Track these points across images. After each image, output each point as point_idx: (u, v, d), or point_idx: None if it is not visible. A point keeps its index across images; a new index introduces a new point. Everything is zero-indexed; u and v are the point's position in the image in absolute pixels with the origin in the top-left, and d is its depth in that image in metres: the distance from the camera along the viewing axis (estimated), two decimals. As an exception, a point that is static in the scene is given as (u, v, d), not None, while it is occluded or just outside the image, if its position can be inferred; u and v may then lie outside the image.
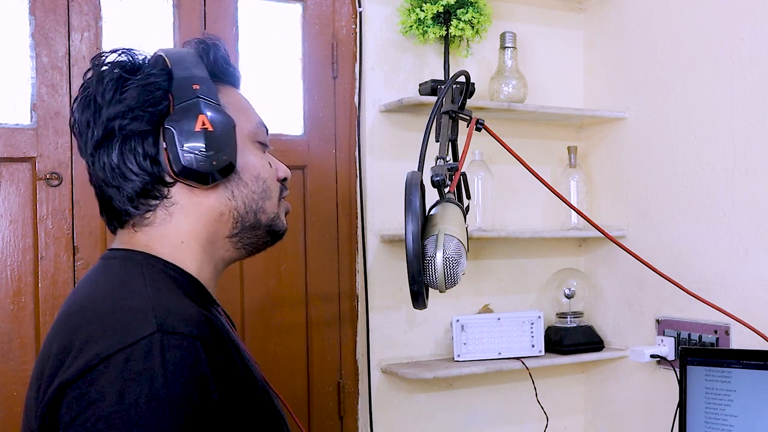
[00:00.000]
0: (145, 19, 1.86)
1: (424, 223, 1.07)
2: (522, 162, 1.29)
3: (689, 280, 1.93)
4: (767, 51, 1.81)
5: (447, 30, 2.04)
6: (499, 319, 2.10)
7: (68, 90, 1.75)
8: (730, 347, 1.86)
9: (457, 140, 1.29)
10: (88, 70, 0.99)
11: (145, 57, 1.00)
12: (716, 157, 1.93)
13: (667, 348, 2.03)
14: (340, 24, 2.07)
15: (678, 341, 2.01)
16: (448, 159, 1.17)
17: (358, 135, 2.07)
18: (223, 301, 1.08)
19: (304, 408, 2.03)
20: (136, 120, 0.94)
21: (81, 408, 0.79)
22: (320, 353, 2.04)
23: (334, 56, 2.06)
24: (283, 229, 1.08)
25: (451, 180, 1.15)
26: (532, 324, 2.12)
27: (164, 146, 0.94)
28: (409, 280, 1.02)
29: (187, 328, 0.84)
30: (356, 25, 2.08)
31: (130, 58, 0.99)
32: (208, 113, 0.96)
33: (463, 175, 1.24)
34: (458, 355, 2.06)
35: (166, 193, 0.97)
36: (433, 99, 1.92)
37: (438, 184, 1.10)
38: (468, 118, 1.26)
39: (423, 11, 2.00)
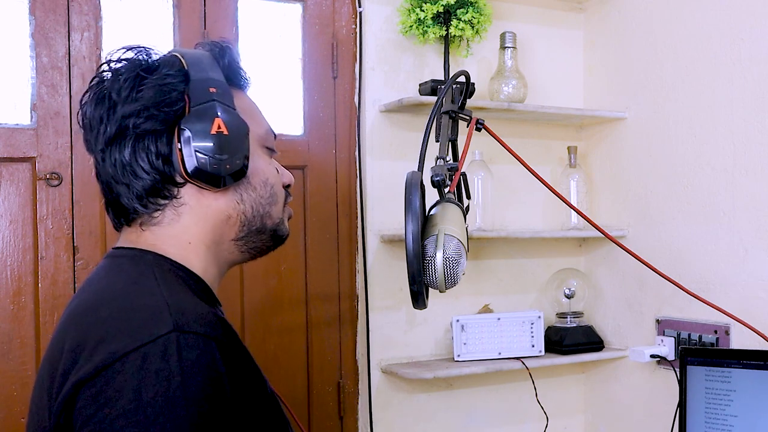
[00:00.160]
0: (145, 19, 1.86)
1: (424, 223, 1.07)
2: (522, 162, 1.29)
3: (689, 280, 1.93)
4: (767, 51, 1.81)
5: (447, 30, 2.04)
6: (499, 319, 2.10)
7: (68, 90, 1.75)
8: (730, 347, 1.86)
9: (457, 140, 1.29)
10: (102, 64, 0.99)
11: (162, 56, 1.00)
12: (716, 157, 1.93)
13: (667, 348, 2.03)
14: (340, 24, 2.07)
15: (678, 341, 2.01)
16: (448, 159, 1.18)
17: (358, 135, 2.07)
18: (223, 301, 1.08)
19: (304, 408, 2.03)
20: (151, 119, 0.95)
21: (98, 406, 0.80)
22: (320, 353, 2.04)
23: (334, 56, 2.06)
24: (286, 234, 1.09)
25: (451, 180, 1.15)
26: (532, 324, 2.12)
27: (178, 147, 0.95)
28: (409, 280, 1.02)
29: (203, 328, 0.84)
30: (356, 25, 2.08)
31: (147, 57, 0.99)
32: (224, 117, 0.96)
33: (463, 175, 1.24)
34: (458, 355, 2.06)
35: (175, 193, 0.98)
36: (433, 99, 1.92)
37: (438, 184, 1.11)
38: (468, 118, 1.26)
39: (423, 11, 2.00)
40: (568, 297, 2.24)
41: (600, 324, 2.30)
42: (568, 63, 2.36)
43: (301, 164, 2.02)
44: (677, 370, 1.61)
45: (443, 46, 2.09)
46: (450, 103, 1.25)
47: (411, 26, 2.03)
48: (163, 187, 0.97)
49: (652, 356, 2.02)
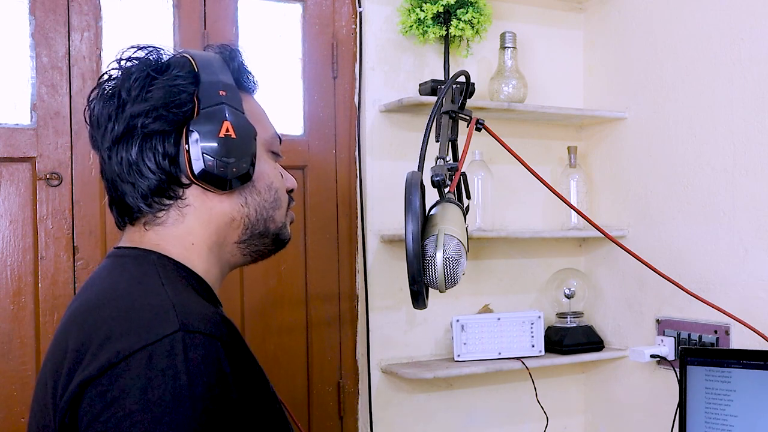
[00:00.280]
0: (145, 19, 1.86)
1: (424, 223, 1.07)
2: (522, 162, 1.29)
3: (689, 280, 1.93)
4: (767, 51, 1.81)
5: (447, 30, 2.04)
6: (499, 319, 2.10)
7: (68, 90, 1.75)
8: (730, 347, 1.86)
9: (457, 140, 1.29)
10: (112, 62, 1.00)
11: (173, 57, 1.00)
12: (716, 157, 1.93)
13: (667, 348, 2.03)
14: (340, 24, 2.07)
15: (678, 341, 2.01)
16: (448, 159, 1.18)
17: (358, 135, 2.07)
18: (224, 301, 1.09)
19: (304, 408, 2.03)
20: (159, 119, 0.95)
21: (104, 405, 0.80)
22: (320, 353, 2.04)
23: (334, 56, 2.06)
24: (288, 238, 1.10)
25: (451, 180, 1.15)
26: (532, 324, 2.12)
27: (185, 148, 0.95)
28: (409, 280, 1.03)
29: (208, 328, 0.85)
30: (356, 25, 2.08)
31: (158, 57, 1.00)
32: (233, 120, 0.96)
33: (463, 175, 1.24)
34: (458, 355, 2.06)
35: (180, 194, 0.98)
36: (433, 99, 1.92)
37: (438, 184, 1.11)
38: (468, 118, 1.26)
39: (423, 11, 2.00)
40: (568, 297, 2.24)
41: (600, 324, 2.30)
42: (568, 63, 2.36)
43: (301, 164, 2.02)
44: (677, 370, 1.61)
45: (443, 46, 2.09)
46: (450, 103, 1.25)
47: (411, 26, 2.03)
48: (168, 187, 0.97)
49: (652, 356, 2.02)
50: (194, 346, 0.82)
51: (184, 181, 0.97)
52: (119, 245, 1.02)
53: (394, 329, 2.09)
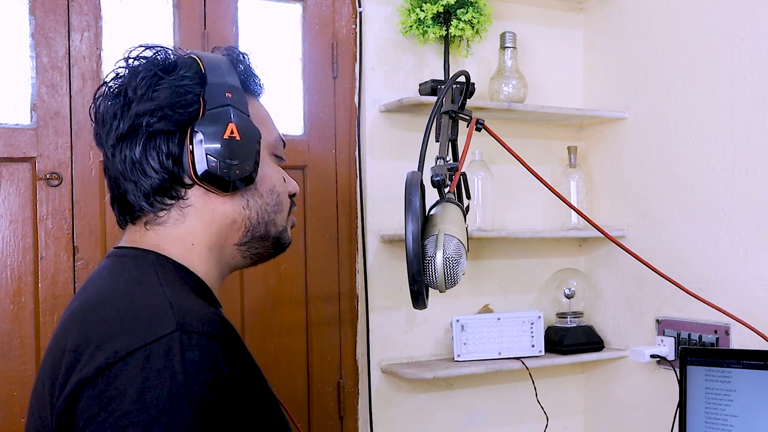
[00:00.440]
0: (145, 19, 1.86)
1: (424, 223, 1.07)
2: (522, 162, 1.29)
3: (689, 280, 1.93)
4: (767, 51, 1.81)
5: (447, 30, 2.04)
6: (499, 319, 2.10)
7: (68, 90, 1.75)
8: (730, 347, 1.86)
9: (457, 140, 1.29)
10: (120, 60, 1.00)
11: (180, 57, 1.00)
12: (716, 157, 1.93)
13: (667, 348, 2.03)
14: (340, 24, 2.07)
15: (678, 341, 2.01)
16: (448, 159, 1.18)
17: (358, 135, 2.07)
18: (224, 301, 1.08)
19: (304, 408, 2.03)
20: (164, 119, 0.95)
21: (101, 405, 0.80)
22: (320, 353, 2.04)
23: (334, 56, 2.06)
24: (288, 242, 1.10)
25: (451, 180, 1.15)
26: (532, 324, 2.12)
27: (189, 148, 0.95)
28: (409, 280, 1.03)
29: (206, 328, 0.85)
30: (356, 25, 2.08)
31: (166, 57, 1.00)
32: (238, 122, 0.97)
33: (463, 175, 1.24)
34: (458, 355, 2.06)
35: (182, 194, 0.98)
36: (433, 99, 1.92)
37: (438, 184, 1.11)
38: (468, 118, 1.26)
39: (423, 11, 2.00)
40: (568, 297, 2.24)
41: (600, 324, 2.30)
42: (568, 63, 2.36)
43: (301, 164, 2.02)
44: (677, 370, 1.61)
45: (443, 46, 2.09)
46: (450, 103, 1.25)
47: (411, 26, 2.03)
48: (170, 187, 0.97)
49: (652, 356, 2.02)
50: (191, 346, 0.82)
51: (187, 181, 0.97)
52: (119, 245, 1.02)
53: (394, 329, 2.09)
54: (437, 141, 1.20)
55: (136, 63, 0.99)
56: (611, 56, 2.28)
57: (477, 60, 2.21)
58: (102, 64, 1.79)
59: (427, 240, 1.04)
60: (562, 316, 2.23)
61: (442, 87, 1.25)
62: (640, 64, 2.16)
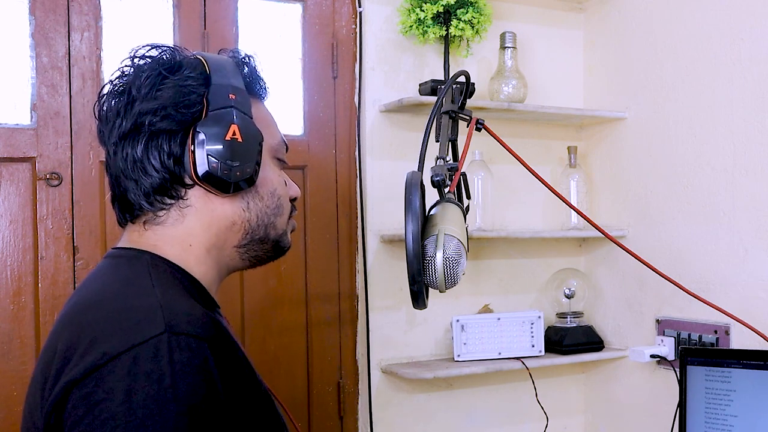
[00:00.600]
0: (145, 19, 1.86)
1: (424, 223, 1.07)
2: (522, 162, 1.29)
3: (689, 280, 1.93)
4: (767, 51, 1.81)
5: (447, 30, 2.04)
6: (499, 319, 2.10)
7: (68, 90, 1.75)
8: (730, 347, 1.86)
9: (457, 140, 1.29)
10: (126, 59, 1.00)
11: (186, 58, 1.00)
12: (716, 157, 1.93)
13: (667, 348, 2.03)
14: (340, 24, 2.07)
15: (678, 341, 2.01)
16: (448, 159, 1.18)
17: (358, 135, 2.07)
18: (223, 302, 1.08)
19: (304, 408, 2.03)
20: (167, 119, 0.95)
21: (88, 407, 0.79)
22: (320, 353, 2.04)
23: (334, 56, 2.06)
24: (288, 246, 1.10)
25: (451, 180, 1.15)
26: (532, 324, 2.12)
27: (191, 149, 0.95)
28: (409, 280, 1.02)
29: (195, 329, 0.84)
30: (356, 25, 2.08)
31: (171, 57, 1.00)
32: (240, 124, 0.97)
33: (463, 175, 1.24)
34: (458, 355, 2.06)
35: (183, 194, 0.98)
36: (433, 99, 1.92)
37: (438, 184, 1.11)
38: (468, 118, 1.26)
39: (423, 11, 2.00)
40: (568, 297, 2.24)
41: (600, 324, 2.30)
42: (568, 63, 2.36)
43: (301, 164, 2.02)
44: (677, 370, 1.61)
45: (443, 46, 2.09)
46: (450, 103, 1.25)
47: (411, 26, 2.03)
48: (171, 186, 0.97)
49: (652, 356, 2.02)
50: (180, 347, 0.82)
51: (188, 181, 0.97)
52: (117, 245, 1.02)
53: (394, 329, 2.09)
54: (437, 141, 1.20)
55: (142, 62, 0.99)
56: (611, 56, 2.28)
57: (477, 60, 2.21)
58: (102, 64, 1.79)
59: (427, 240, 1.04)
60: (562, 316, 2.23)
61: (442, 87, 1.25)
62: (640, 64, 2.16)
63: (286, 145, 1.11)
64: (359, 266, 2.08)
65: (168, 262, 0.97)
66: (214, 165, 0.95)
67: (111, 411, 0.78)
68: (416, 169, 1.09)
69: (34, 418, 0.89)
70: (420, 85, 2.07)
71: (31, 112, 1.73)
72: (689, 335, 1.98)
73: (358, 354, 2.09)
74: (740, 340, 1.84)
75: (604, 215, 2.29)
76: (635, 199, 2.18)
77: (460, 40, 2.13)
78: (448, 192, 1.13)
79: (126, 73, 0.99)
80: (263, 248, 1.05)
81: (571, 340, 2.17)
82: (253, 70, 1.06)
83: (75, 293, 0.99)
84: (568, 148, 2.27)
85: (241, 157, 0.96)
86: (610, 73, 2.28)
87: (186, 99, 0.96)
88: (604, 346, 2.24)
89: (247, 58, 1.05)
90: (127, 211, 1.00)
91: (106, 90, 1.00)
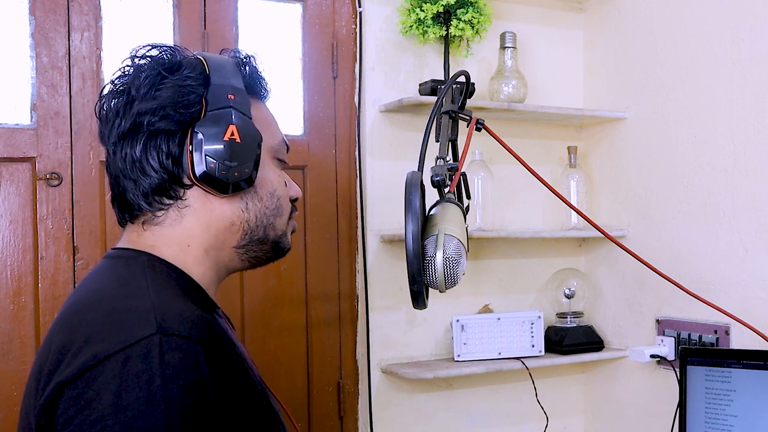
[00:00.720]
0: (145, 19, 1.86)
1: (424, 223, 1.07)
2: (522, 162, 1.29)
3: (689, 280, 1.93)
4: (767, 51, 1.81)
5: (447, 30, 2.04)
6: (499, 319, 2.10)
7: (68, 90, 1.75)
8: (730, 347, 1.86)
9: (457, 140, 1.29)
10: (127, 58, 1.00)
11: (186, 57, 1.00)
12: (716, 157, 1.93)
13: (667, 348, 2.03)
14: (340, 24, 2.07)
15: (678, 341, 2.01)
16: (448, 159, 1.18)
17: (358, 135, 2.07)
18: (223, 302, 1.08)
19: (304, 408, 2.03)
20: (166, 119, 0.95)
21: (78, 408, 0.79)
22: (320, 353, 2.04)
23: (334, 56, 2.06)
24: (288, 247, 1.09)
25: (451, 180, 1.15)
26: (532, 324, 2.12)
27: (189, 149, 0.95)
28: (409, 280, 1.02)
29: (187, 330, 0.84)
30: (356, 25, 2.08)
31: (172, 57, 1.00)
32: (239, 124, 0.96)
33: (463, 175, 1.24)
34: (458, 355, 2.06)
35: (181, 194, 0.98)
36: (433, 99, 1.92)
37: (438, 184, 1.11)
38: (468, 118, 1.26)
39: (423, 11, 2.00)
40: (568, 297, 2.24)
41: (600, 324, 2.30)
42: (568, 63, 2.36)
43: (301, 164, 2.02)
44: (677, 370, 1.61)
45: (443, 46, 2.09)
46: (450, 103, 1.25)
47: (411, 26, 2.03)
48: (169, 187, 0.97)
49: (652, 356, 2.02)
50: (171, 348, 0.81)
51: (186, 182, 0.97)
52: (116, 246, 1.02)
53: (394, 329, 2.09)
54: (437, 141, 1.20)
55: (142, 62, 0.99)
56: (611, 56, 2.28)
57: (477, 60, 2.21)
58: (102, 64, 1.79)
59: (427, 240, 1.04)
60: (562, 316, 2.23)
61: (442, 87, 1.25)
62: (640, 64, 2.16)
63: (287, 145, 1.11)
64: (359, 266, 2.08)
65: (165, 263, 0.97)
66: (212, 165, 0.94)
67: (101, 412, 0.78)
68: (416, 169, 1.09)
69: (29, 418, 0.89)
70: (420, 85, 2.07)
71: (31, 112, 1.73)
72: (689, 335, 1.98)
73: (358, 354, 2.09)
74: (740, 340, 1.84)
75: (604, 215, 2.29)
76: (635, 199, 2.18)
77: (460, 40, 2.13)
78: (448, 192, 1.13)
79: (126, 72, 0.99)
80: (262, 249, 1.05)
81: (571, 340, 2.17)
82: (254, 71, 1.06)
83: (72, 294, 1.00)
84: (568, 148, 2.27)
85: (239, 158, 0.96)
86: (610, 73, 2.28)
87: (185, 99, 0.96)
88: (604, 346, 2.24)
89: (247, 58, 1.05)
90: (127, 212, 1.00)
91: (106, 90, 1.00)
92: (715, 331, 1.91)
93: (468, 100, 1.37)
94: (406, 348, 2.11)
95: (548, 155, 2.34)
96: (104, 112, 0.99)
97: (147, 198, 0.97)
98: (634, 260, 1.38)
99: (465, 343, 2.07)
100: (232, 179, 0.96)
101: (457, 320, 2.06)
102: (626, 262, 2.19)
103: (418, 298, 1.04)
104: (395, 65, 2.10)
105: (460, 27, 2.03)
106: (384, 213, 2.07)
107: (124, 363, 0.80)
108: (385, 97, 2.07)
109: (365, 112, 2.07)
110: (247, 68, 1.04)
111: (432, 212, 1.10)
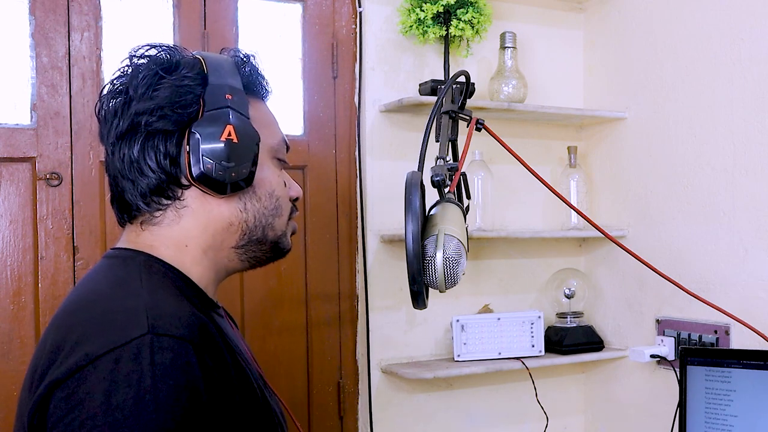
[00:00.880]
0: (145, 19, 1.86)
1: (424, 223, 1.07)
2: (522, 162, 1.28)
3: (689, 280, 1.93)
4: (767, 51, 1.81)
5: (447, 30, 2.04)
6: (499, 319, 2.10)
7: (68, 90, 1.75)
8: (730, 347, 1.86)
9: (457, 140, 1.29)
10: (125, 58, 1.00)
11: (184, 57, 1.00)
12: (716, 157, 1.93)
13: (667, 348, 2.03)
14: (340, 24, 2.07)
15: (678, 341, 2.01)
16: (448, 159, 1.17)
17: (358, 135, 2.07)
18: (223, 301, 1.08)
19: (304, 408, 2.03)
20: (163, 119, 0.95)
21: (68, 408, 0.79)
22: (320, 353, 2.04)
23: (334, 56, 2.06)
24: (288, 248, 1.09)
25: (451, 180, 1.15)
26: (532, 324, 2.12)
27: (187, 149, 0.95)
28: (409, 280, 1.02)
29: (179, 331, 0.84)
30: (356, 25, 2.08)
31: (170, 57, 0.99)
32: (236, 124, 0.96)
33: (463, 175, 1.24)
34: (458, 355, 2.06)
35: (179, 194, 0.98)
36: (433, 99, 1.92)
37: (438, 184, 1.11)
38: (468, 118, 1.26)
39: (423, 11, 2.00)
40: (568, 297, 2.24)
41: (600, 324, 2.30)
42: (568, 63, 2.36)
43: (301, 164, 2.02)
44: (677, 370, 1.61)
45: (443, 46, 2.09)
46: (450, 103, 1.25)
47: (411, 26, 2.03)
48: (167, 187, 0.97)
49: (652, 356, 2.02)
50: (162, 349, 0.81)
51: (184, 182, 0.97)
52: (115, 246, 1.02)
53: (394, 329, 2.09)
54: (437, 141, 1.19)
55: (140, 61, 0.99)
56: (611, 56, 2.28)
57: (477, 60, 2.21)
58: (102, 64, 1.79)
59: (427, 240, 1.04)
60: (562, 316, 2.23)
61: (442, 87, 1.25)
62: (640, 64, 2.16)
63: (288, 145, 1.10)
64: (359, 266, 2.08)
65: (163, 263, 0.97)
66: (209, 166, 0.94)
67: (91, 412, 0.78)
68: (416, 169, 1.09)
69: (22, 418, 0.89)
70: (420, 85, 2.07)
71: (31, 112, 1.73)
72: (689, 335, 1.98)
73: (358, 354, 2.09)
74: (740, 340, 1.84)
75: (604, 215, 2.29)
76: (635, 199, 2.18)
77: (460, 40, 2.13)
78: (448, 192, 1.13)
79: (125, 72, 0.99)
80: (261, 249, 1.05)
81: (571, 340, 2.17)
82: (254, 70, 1.05)
83: (69, 294, 1.00)
84: (568, 148, 2.27)
85: (236, 158, 0.95)
86: (610, 73, 2.28)
87: (183, 99, 0.95)
88: (604, 346, 2.24)
89: (247, 58, 1.05)
90: (125, 212, 1.00)
91: (106, 90, 0.99)
92: (715, 331, 1.91)
93: (468, 100, 1.37)
94: (406, 348, 2.11)
95: (548, 155, 2.34)
96: (103, 113, 0.99)
97: (145, 198, 0.97)
98: (634, 260, 1.38)
99: (465, 343, 2.07)
100: (229, 179, 0.96)
101: (457, 320, 2.06)
102: (626, 262, 2.19)
103: (418, 298, 1.04)
104: (395, 65, 2.10)
105: (460, 27, 2.03)
106: (384, 213, 2.07)
107: (115, 363, 0.80)
108: (385, 97, 2.07)
109: (365, 112, 2.07)
110: (246, 68, 1.04)
111: (432, 212, 1.10)
